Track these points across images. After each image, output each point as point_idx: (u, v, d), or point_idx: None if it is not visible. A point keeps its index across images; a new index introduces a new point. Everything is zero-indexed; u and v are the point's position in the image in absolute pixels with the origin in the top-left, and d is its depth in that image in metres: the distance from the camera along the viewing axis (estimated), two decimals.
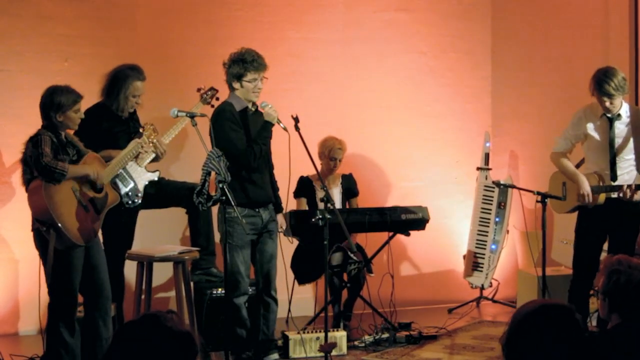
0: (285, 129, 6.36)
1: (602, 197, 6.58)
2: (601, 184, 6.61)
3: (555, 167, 6.91)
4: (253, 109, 6.51)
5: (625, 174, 6.60)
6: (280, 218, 6.74)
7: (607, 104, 6.47)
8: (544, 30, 9.14)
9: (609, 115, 6.57)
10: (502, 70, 9.09)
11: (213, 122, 6.34)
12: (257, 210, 6.43)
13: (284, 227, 6.81)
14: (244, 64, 6.37)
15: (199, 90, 7.29)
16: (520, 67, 9.12)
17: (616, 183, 6.57)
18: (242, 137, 6.35)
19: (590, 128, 6.68)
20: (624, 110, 6.58)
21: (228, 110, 6.38)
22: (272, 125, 6.44)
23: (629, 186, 6.45)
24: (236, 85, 6.41)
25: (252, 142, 6.36)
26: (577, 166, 6.97)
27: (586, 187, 6.59)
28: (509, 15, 9.15)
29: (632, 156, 6.58)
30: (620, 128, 6.59)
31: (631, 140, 6.56)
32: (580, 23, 9.14)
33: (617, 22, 9.02)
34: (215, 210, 6.88)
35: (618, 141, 6.59)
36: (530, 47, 9.13)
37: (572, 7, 9.19)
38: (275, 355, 6.63)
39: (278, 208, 6.72)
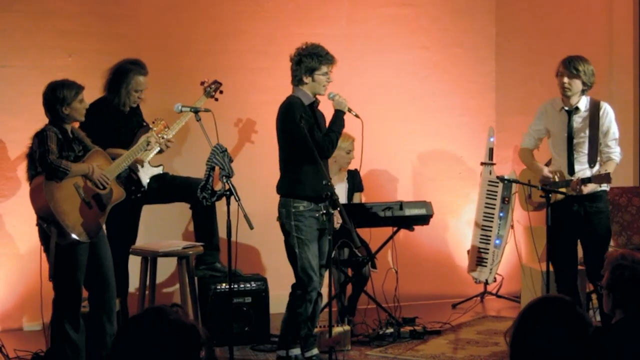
0: (357, 115, 6.45)
1: (562, 191, 6.59)
2: (557, 179, 6.64)
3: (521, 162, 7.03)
4: (317, 104, 6.52)
5: (587, 169, 6.61)
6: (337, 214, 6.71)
7: (565, 79, 6.52)
8: (547, 25, 9.14)
9: (566, 108, 6.62)
10: (506, 65, 9.09)
11: (284, 115, 6.35)
12: (319, 205, 6.40)
13: (340, 222, 6.80)
14: (318, 57, 6.38)
15: (202, 83, 7.30)
16: (525, 62, 9.12)
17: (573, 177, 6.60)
18: (316, 128, 6.37)
19: (550, 122, 6.76)
20: (583, 103, 6.63)
21: (299, 102, 6.37)
22: (344, 113, 6.47)
23: (578, 179, 6.47)
24: (307, 79, 6.39)
25: (329, 131, 6.39)
26: (547, 165, 6.98)
27: (544, 170, 6.69)
28: (513, 10, 9.14)
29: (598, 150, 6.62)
30: (578, 121, 6.63)
31: (588, 132, 6.60)
32: (584, 17, 9.14)
33: (621, 17, 9.02)
34: (219, 205, 6.89)
35: (576, 135, 6.61)
36: (535, 42, 9.12)
37: (576, 2, 9.19)
38: (316, 351, 6.62)
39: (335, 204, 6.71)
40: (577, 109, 6.61)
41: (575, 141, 6.64)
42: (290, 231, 6.32)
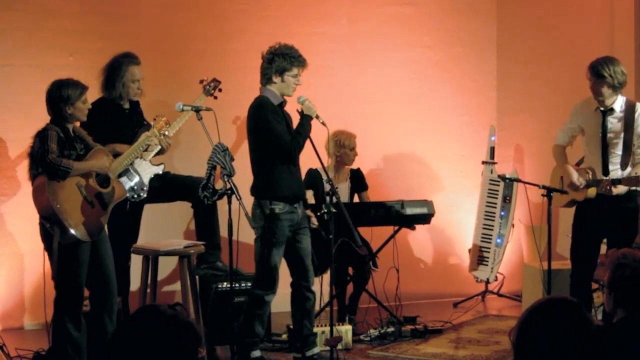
0: (324, 123, 6.40)
1: (592, 192, 6.56)
2: (590, 178, 6.61)
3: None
4: (284, 104, 6.51)
5: (618, 170, 6.58)
6: (309, 213, 6.79)
7: (591, 85, 6.46)
8: (549, 24, 9.14)
9: (602, 108, 6.55)
10: (507, 64, 9.09)
11: (254, 115, 6.35)
12: (294, 205, 6.41)
13: (315, 224, 6.81)
14: (290, 58, 6.37)
15: (201, 82, 7.30)
16: (526, 60, 9.12)
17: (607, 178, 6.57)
18: (285, 129, 6.36)
19: (585, 121, 6.70)
20: (618, 104, 6.54)
21: (270, 102, 6.36)
22: (312, 119, 6.43)
23: (608, 180, 6.44)
24: (276, 79, 6.38)
25: (296, 134, 6.35)
26: (579, 163, 6.97)
27: (574, 175, 6.60)
28: (515, 9, 9.15)
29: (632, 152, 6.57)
30: (613, 122, 6.55)
31: (622, 134, 6.55)
32: (586, 17, 9.14)
33: (623, 16, 9.02)
34: (220, 204, 6.89)
35: (610, 135, 6.56)
36: (536, 41, 9.12)
37: (577, 1, 9.18)
38: (318, 349, 6.62)
39: (306, 203, 6.76)
40: (612, 109, 6.52)
41: (609, 142, 6.56)
42: (263, 233, 6.31)
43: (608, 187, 6.40)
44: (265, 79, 6.42)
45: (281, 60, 6.35)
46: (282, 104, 6.45)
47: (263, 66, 6.42)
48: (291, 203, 6.36)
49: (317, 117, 6.41)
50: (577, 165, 6.93)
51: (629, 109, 6.54)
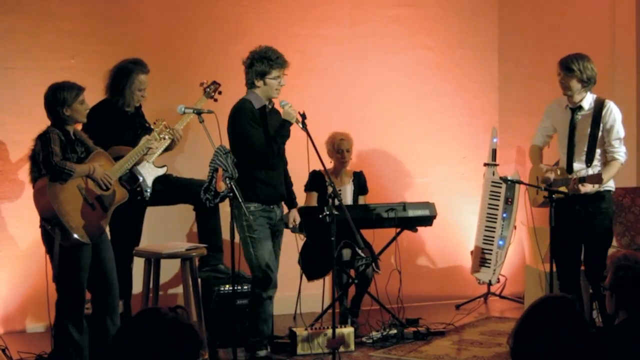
0: (304, 128, 6.39)
1: (565, 190, 6.57)
2: (560, 176, 6.64)
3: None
4: (270, 107, 6.52)
5: (584, 168, 6.60)
6: (294, 213, 6.82)
7: (560, 79, 6.56)
8: (550, 25, 9.14)
9: (571, 106, 6.63)
10: (509, 66, 9.09)
11: (232, 119, 6.38)
12: (271, 207, 6.46)
13: (297, 222, 6.82)
14: (268, 61, 6.38)
15: (201, 84, 7.31)
16: (527, 62, 9.12)
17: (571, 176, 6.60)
18: (261, 135, 6.37)
19: (556, 119, 6.80)
20: (587, 101, 6.62)
21: (248, 107, 6.39)
22: (291, 124, 6.44)
23: (575, 179, 6.46)
24: (258, 83, 6.41)
25: (271, 140, 6.37)
26: (556, 164, 6.99)
27: (543, 169, 6.71)
28: (516, 10, 9.15)
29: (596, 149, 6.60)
30: (580, 120, 6.62)
31: (589, 131, 6.59)
32: (587, 18, 9.14)
33: (623, 17, 9.02)
34: (223, 206, 6.90)
35: (577, 133, 6.62)
36: (537, 42, 9.12)
37: (578, 2, 9.19)
38: (264, 352, 6.62)
39: (292, 203, 6.80)
40: (580, 107, 6.61)
41: (576, 139, 6.63)
42: (243, 231, 6.34)
43: (575, 186, 6.43)
44: (249, 83, 6.48)
45: (260, 64, 6.40)
46: (266, 106, 6.46)
47: (245, 70, 6.48)
48: (267, 204, 6.41)
49: (297, 122, 6.41)
50: (553, 165, 6.96)
51: (598, 106, 6.61)
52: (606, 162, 6.59)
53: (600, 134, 6.57)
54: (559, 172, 6.66)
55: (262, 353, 6.50)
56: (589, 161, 6.58)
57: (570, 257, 6.66)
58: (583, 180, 6.43)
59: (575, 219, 6.59)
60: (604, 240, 6.65)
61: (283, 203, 6.73)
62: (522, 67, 9.12)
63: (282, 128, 6.43)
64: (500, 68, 9.07)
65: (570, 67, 6.51)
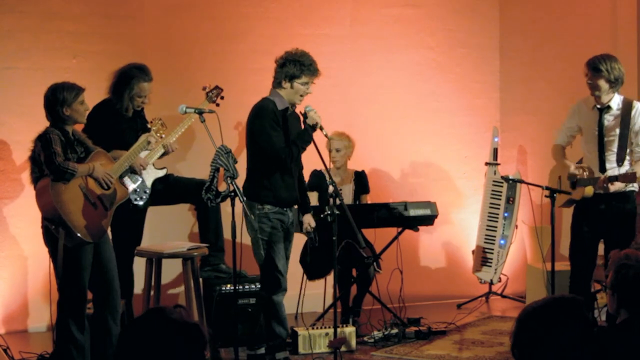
0: (326, 135, 6.38)
1: (590, 191, 6.56)
2: (587, 176, 6.62)
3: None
4: (291, 110, 6.48)
5: (615, 167, 6.59)
6: (309, 217, 6.72)
7: (588, 80, 6.52)
8: (552, 24, 9.14)
9: (598, 106, 6.60)
10: (510, 65, 9.09)
11: (253, 117, 6.34)
12: (284, 209, 6.42)
13: (313, 226, 6.75)
14: (301, 65, 6.31)
15: (204, 89, 7.30)
16: (529, 61, 9.12)
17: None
18: (281, 136, 6.31)
19: (582, 120, 6.75)
20: (615, 102, 6.60)
21: (270, 108, 6.32)
22: (314, 130, 6.37)
23: (605, 177, 6.45)
24: (286, 84, 6.34)
25: (291, 144, 6.32)
26: (579, 163, 6.98)
27: (572, 166, 6.66)
28: (517, 9, 9.15)
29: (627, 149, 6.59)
30: (609, 120, 6.61)
31: (618, 131, 6.57)
32: (588, 17, 9.14)
33: (625, 16, 9.01)
34: (223, 206, 6.89)
35: (606, 133, 6.60)
36: (539, 42, 9.12)
37: (579, 1, 9.18)
38: (282, 354, 6.61)
39: (307, 208, 6.74)
40: (608, 107, 6.58)
41: (605, 139, 6.60)
42: (255, 234, 6.32)
43: (605, 185, 6.43)
44: (276, 83, 6.39)
45: (291, 67, 6.31)
46: (288, 109, 6.42)
47: (275, 69, 6.40)
48: (281, 206, 6.38)
49: (320, 128, 6.35)
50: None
51: (626, 107, 6.59)
52: (633, 161, 6.57)
53: (629, 134, 6.56)
54: (586, 173, 6.62)
55: (281, 355, 6.48)
56: (620, 161, 6.56)
57: (589, 255, 6.65)
58: (614, 179, 6.41)
59: (598, 218, 6.57)
60: (627, 240, 6.62)
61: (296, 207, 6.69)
62: (523, 66, 9.12)
63: (305, 133, 6.35)
64: (502, 67, 9.07)
65: (598, 67, 6.47)
